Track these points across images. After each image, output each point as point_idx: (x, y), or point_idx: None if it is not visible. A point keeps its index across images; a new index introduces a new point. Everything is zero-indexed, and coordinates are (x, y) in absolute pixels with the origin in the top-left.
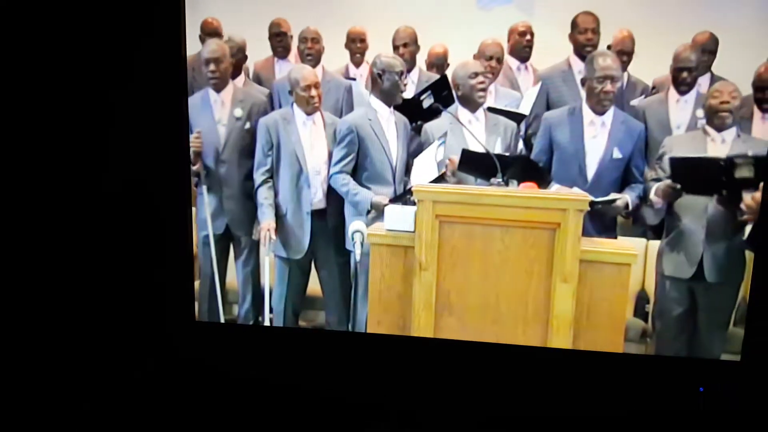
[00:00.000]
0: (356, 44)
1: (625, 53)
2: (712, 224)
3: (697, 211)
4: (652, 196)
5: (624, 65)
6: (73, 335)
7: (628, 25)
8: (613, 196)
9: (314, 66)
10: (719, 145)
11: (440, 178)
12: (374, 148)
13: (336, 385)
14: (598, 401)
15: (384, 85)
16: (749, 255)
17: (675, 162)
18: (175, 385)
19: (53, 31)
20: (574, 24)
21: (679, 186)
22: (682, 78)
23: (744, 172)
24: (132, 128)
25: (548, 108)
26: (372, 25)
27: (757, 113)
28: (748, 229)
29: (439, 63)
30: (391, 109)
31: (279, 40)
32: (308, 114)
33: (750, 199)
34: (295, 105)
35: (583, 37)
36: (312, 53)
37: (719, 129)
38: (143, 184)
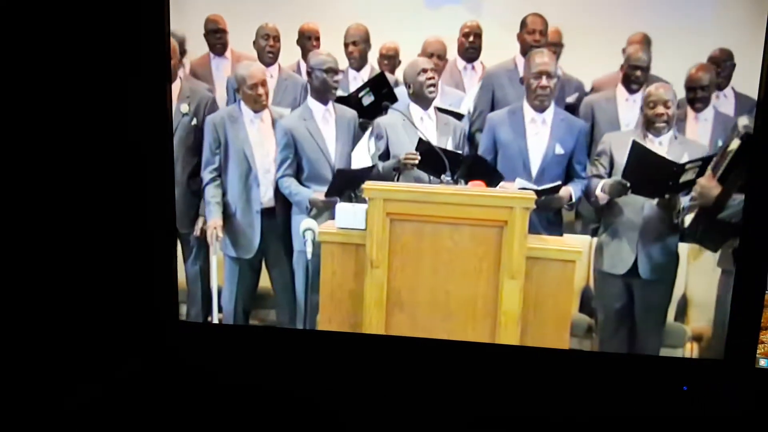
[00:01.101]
0: (311, 41)
1: (552, 44)
2: (647, 223)
3: (635, 209)
4: (598, 191)
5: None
6: (52, 334)
7: (572, 26)
8: (554, 183)
9: (273, 63)
10: (656, 147)
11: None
12: (310, 148)
13: (309, 385)
14: (556, 400)
15: (314, 83)
16: (683, 252)
17: (635, 148)
18: (159, 385)
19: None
20: (523, 24)
21: (627, 183)
22: (635, 77)
23: (689, 176)
24: (115, 124)
25: (493, 106)
26: (326, 22)
27: (690, 114)
28: (688, 218)
29: (390, 61)
30: (328, 106)
31: (218, 37)
32: (256, 111)
33: (706, 180)
34: (242, 102)
35: (531, 37)
36: (273, 51)
37: (656, 135)
38: (126, 176)
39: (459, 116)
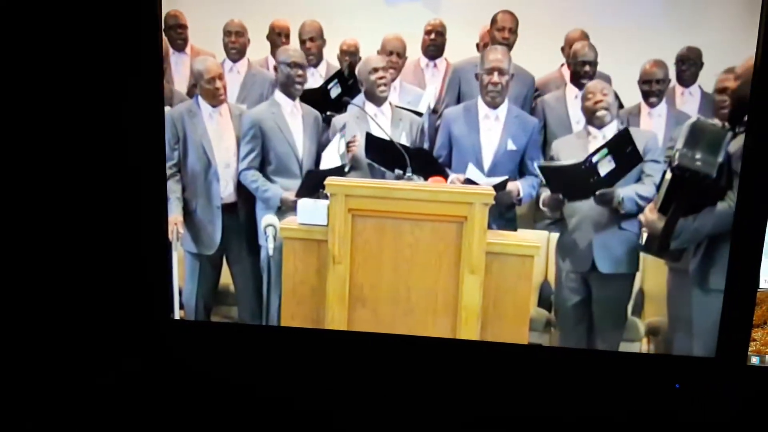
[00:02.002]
0: (280, 38)
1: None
2: (600, 219)
3: (586, 206)
4: (541, 206)
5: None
6: (44, 334)
7: (524, 23)
8: (503, 177)
9: (238, 59)
10: (601, 142)
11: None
12: (278, 141)
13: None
14: (551, 399)
15: (280, 78)
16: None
17: (544, 171)
18: (152, 385)
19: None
20: (494, 21)
21: (560, 196)
22: (584, 72)
23: (606, 166)
24: (109, 126)
25: (459, 100)
26: (297, 18)
27: (644, 109)
28: (644, 236)
29: (350, 57)
30: (296, 102)
31: (179, 32)
32: (214, 106)
33: (648, 212)
34: (200, 97)
35: (500, 35)
36: (236, 47)
37: (599, 127)
38: (119, 177)
39: (417, 115)
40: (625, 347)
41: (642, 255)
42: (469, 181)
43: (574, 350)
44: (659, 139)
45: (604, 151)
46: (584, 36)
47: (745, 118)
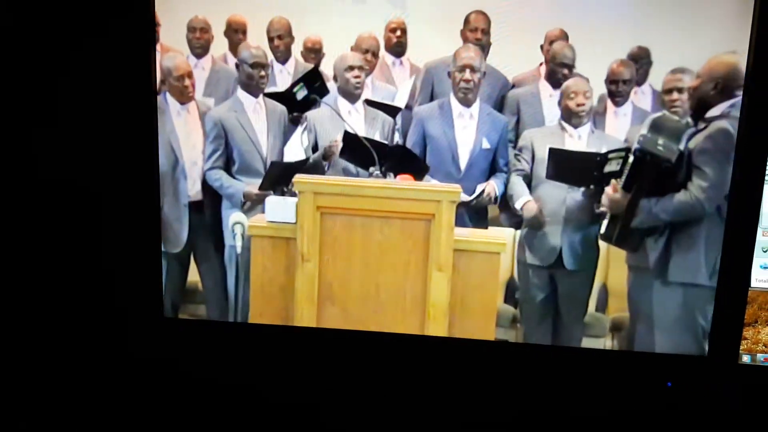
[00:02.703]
0: (237, 35)
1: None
2: (570, 215)
3: (556, 202)
4: (518, 209)
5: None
6: (32, 333)
7: (496, 23)
8: (479, 188)
9: (203, 55)
10: (576, 141)
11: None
12: (241, 140)
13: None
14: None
15: (241, 77)
16: (603, 244)
17: (553, 152)
18: (141, 385)
19: None
20: (467, 21)
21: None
22: (563, 74)
23: (613, 166)
24: (100, 120)
25: (432, 99)
26: (254, 14)
27: (610, 108)
28: (604, 223)
29: (313, 54)
30: (259, 99)
31: None
32: (182, 103)
33: (611, 190)
34: (168, 94)
35: (473, 35)
36: (200, 43)
37: (575, 126)
38: (109, 173)
39: (395, 111)
40: (589, 343)
41: (605, 251)
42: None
43: (543, 347)
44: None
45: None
46: (563, 35)
47: (707, 115)
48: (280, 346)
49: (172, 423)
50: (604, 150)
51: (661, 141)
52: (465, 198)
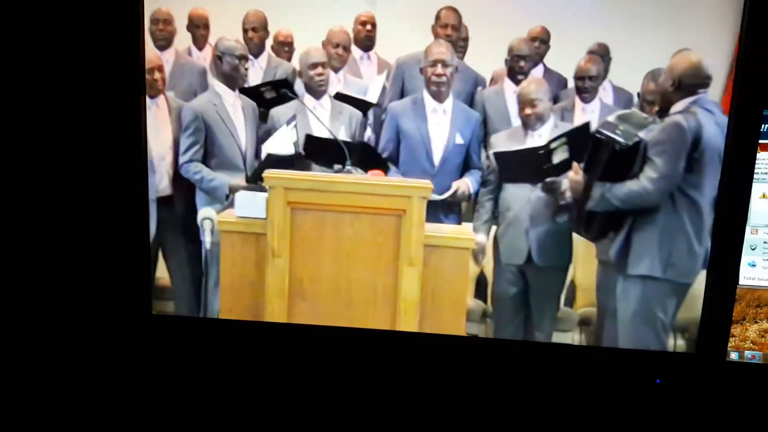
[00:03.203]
0: (199, 30)
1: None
2: (536, 212)
3: (522, 200)
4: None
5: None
6: (19, 331)
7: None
8: (454, 186)
9: (166, 47)
10: (537, 139)
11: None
12: (222, 133)
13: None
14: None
15: (224, 69)
16: (576, 238)
17: (498, 157)
18: (132, 385)
19: None
20: (437, 17)
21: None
22: (519, 68)
23: (561, 154)
24: (85, 114)
25: (403, 95)
26: (215, 7)
27: (578, 104)
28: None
29: (286, 48)
30: (236, 93)
31: None
32: (152, 97)
33: (573, 173)
34: None
35: (444, 31)
36: (163, 35)
37: (533, 129)
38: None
39: (368, 105)
40: (558, 338)
41: (574, 246)
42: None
43: (527, 343)
44: None
45: (563, 139)
46: (545, 31)
47: (671, 111)
48: (252, 341)
49: (159, 419)
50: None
51: (622, 127)
52: (438, 197)
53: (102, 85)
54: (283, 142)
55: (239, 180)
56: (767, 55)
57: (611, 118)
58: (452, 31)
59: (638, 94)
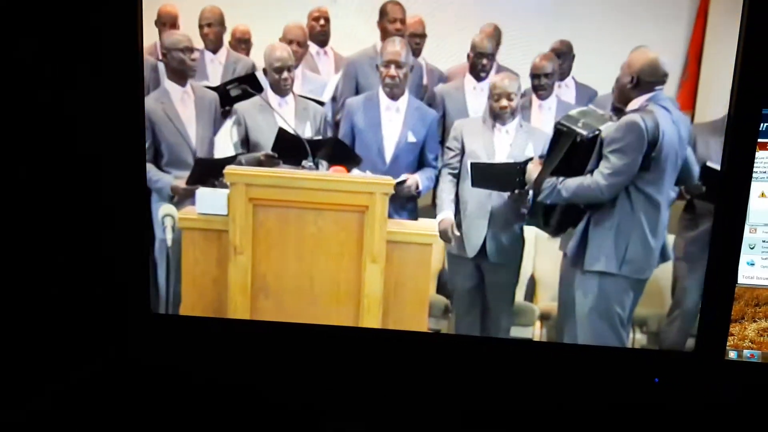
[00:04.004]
0: (166, 27)
1: (416, 35)
2: (495, 210)
3: (482, 198)
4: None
5: (417, 49)
6: (11, 330)
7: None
8: (404, 177)
9: None
10: (504, 135)
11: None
12: (169, 132)
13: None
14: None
15: (172, 64)
16: (528, 235)
17: (475, 168)
18: (130, 386)
19: None
20: (383, 12)
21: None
22: (482, 65)
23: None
24: (84, 112)
25: (357, 92)
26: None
27: (535, 102)
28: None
29: (243, 45)
30: (186, 87)
31: None
32: None
33: (532, 165)
34: None
35: (392, 26)
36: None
37: (502, 123)
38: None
39: (320, 104)
40: (517, 332)
41: (533, 241)
42: None
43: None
44: None
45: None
46: (495, 29)
47: (627, 108)
48: (218, 337)
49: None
50: (530, 146)
51: (581, 121)
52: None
53: (103, 82)
54: (223, 142)
55: (180, 181)
56: (766, 53)
57: (573, 113)
58: (401, 25)
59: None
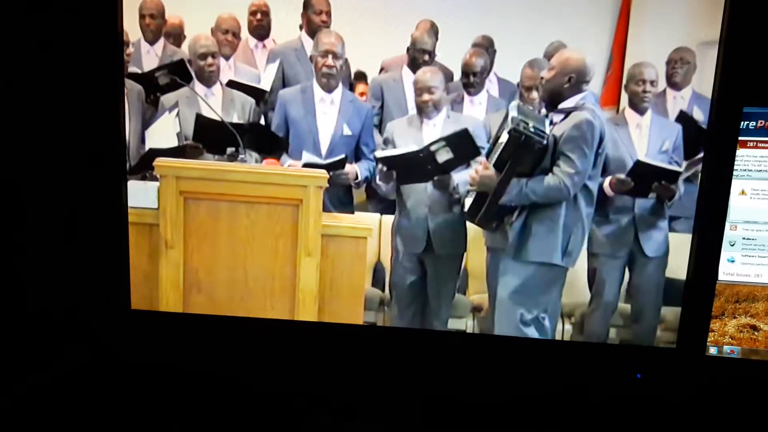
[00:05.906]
0: None
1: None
2: (433, 203)
3: (420, 191)
4: (377, 181)
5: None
6: None
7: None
8: (340, 156)
9: None
10: (432, 128)
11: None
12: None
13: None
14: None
15: None
16: (470, 227)
17: (382, 160)
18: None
19: None
20: (308, 5)
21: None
22: (423, 60)
23: (444, 155)
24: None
25: (284, 84)
26: None
27: (466, 97)
28: (468, 202)
29: (175, 34)
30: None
31: None
32: None
33: (481, 168)
34: None
35: (318, 18)
36: None
37: (428, 117)
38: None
39: (261, 93)
40: (452, 324)
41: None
42: (308, 166)
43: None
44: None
45: (442, 143)
46: (431, 24)
47: (560, 106)
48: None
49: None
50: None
51: (531, 124)
52: (322, 161)
53: (79, 77)
54: (164, 132)
55: None
56: (746, 52)
57: (514, 113)
58: (327, 17)
59: (518, 84)
